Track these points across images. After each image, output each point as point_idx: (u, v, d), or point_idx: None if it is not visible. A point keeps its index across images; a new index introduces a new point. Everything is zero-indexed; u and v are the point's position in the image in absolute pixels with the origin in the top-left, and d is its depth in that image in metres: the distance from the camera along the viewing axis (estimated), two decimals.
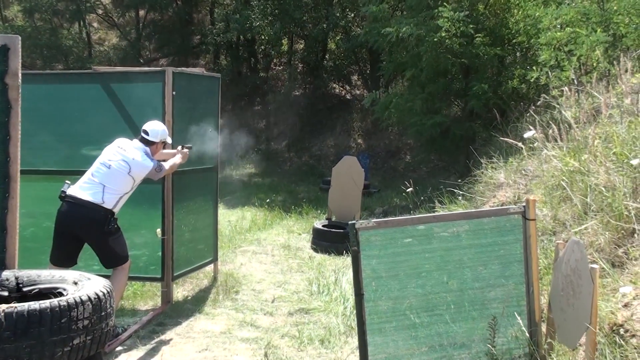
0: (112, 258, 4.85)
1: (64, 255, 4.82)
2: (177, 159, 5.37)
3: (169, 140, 5.29)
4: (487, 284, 3.80)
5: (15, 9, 24.96)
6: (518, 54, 10.92)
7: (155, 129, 5.08)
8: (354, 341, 4.78)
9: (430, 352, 3.68)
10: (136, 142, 5.03)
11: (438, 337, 3.70)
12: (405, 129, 13.41)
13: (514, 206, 3.92)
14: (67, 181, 4.84)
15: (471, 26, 9.87)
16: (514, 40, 10.76)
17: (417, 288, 3.79)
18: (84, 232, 4.73)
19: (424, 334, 3.72)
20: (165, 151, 5.42)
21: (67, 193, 4.72)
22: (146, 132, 5.05)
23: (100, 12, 24.53)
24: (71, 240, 4.77)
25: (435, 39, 9.97)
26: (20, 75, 3.16)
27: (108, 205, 4.71)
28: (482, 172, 7.68)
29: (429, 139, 11.60)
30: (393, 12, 13.44)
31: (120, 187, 4.78)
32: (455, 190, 7.73)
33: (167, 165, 5.17)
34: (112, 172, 4.78)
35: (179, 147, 5.49)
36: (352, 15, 19.83)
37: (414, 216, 4.21)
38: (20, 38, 3.22)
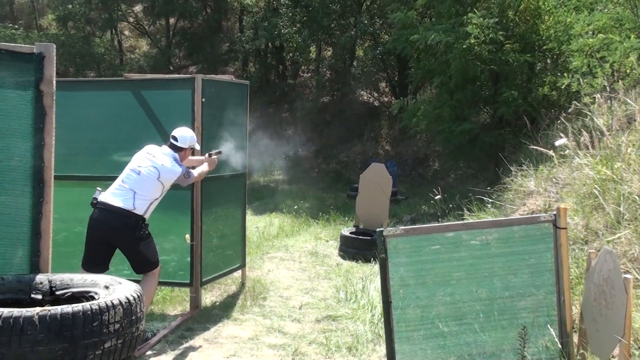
0: (143, 263, 4.89)
1: (95, 261, 4.87)
2: (205, 167, 5.39)
3: (198, 147, 5.33)
4: (517, 293, 3.75)
5: (50, 17, 25.49)
6: (549, 60, 10.82)
7: (184, 135, 5.12)
8: (382, 349, 4.76)
9: None
10: (165, 148, 5.07)
11: (467, 347, 3.67)
12: (434, 136, 13.34)
13: (545, 214, 3.88)
14: (98, 188, 4.90)
15: (501, 33, 9.80)
16: (545, 47, 10.65)
17: (446, 296, 3.76)
18: (115, 238, 4.79)
19: (452, 343, 3.69)
20: (193, 158, 5.46)
21: (98, 199, 4.78)
22: (175, 138, 5.09)
23: (131, 20, 24.91)
24: (103, 246, 4.83)
25: (464, 46, 9.91)
26: (54, 82, 3.22)
27: (139, 211, 4.76)
28: (512, 180, 7.61)
29: (458, 147, 11.53)
30: (421, 19, 13.41)
31: (150, 193, 4.83)
32: (484, 198, 7.66)
33: (195, 172, 5.20)
34: (142, 178, 4.84)
35: (206, 155, 5.50)
36: (380, 22, 19.82)
37: (443, 224, 4.18)
38: (54, 46, 3.28)
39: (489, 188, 8.14)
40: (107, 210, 4.73)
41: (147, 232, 4.87)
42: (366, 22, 19.43)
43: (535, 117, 10.08)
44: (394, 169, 14.47)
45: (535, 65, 10.89)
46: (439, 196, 7.58)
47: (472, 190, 8.53)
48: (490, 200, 7.56)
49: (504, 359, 3.65)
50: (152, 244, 4.93)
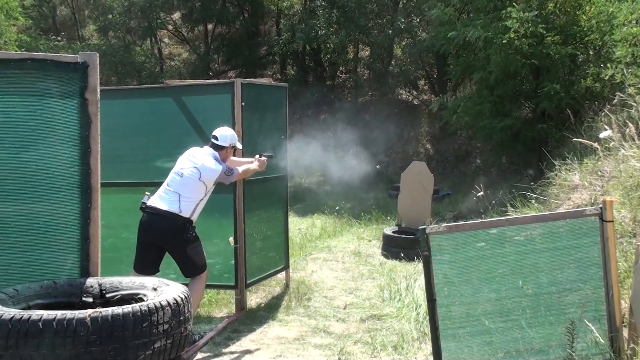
0: (190, 267, 4.96)
1: (146, 264, 4.97)
2: (254, 165, 5.41)
3: (239, 146, 5.32)
4: (564, 288, 3.70)
5: (91, 28, 26.07)
6: (591, 52, 10.58)
7: (224, 133, 5.15)
8: (428, 347, 4.74)
9: (506, 358, 3.61)
10: (207, 149, 5.12)
11: (514, 343, 3.63)
12: (475, 132, 13.22)
13: (591, 207, 3.81)
14: (146, 192, 5.00)
15: (541, 26, 9.64)
16: (586, 38, 10.43)
17: (491, 293, 3.73)
18: (163, 241, 4.88)
19: (499, 339, 3.66)
20: (236, 159, 5.48)
21: (147, 204, 4.88)
22: (216, 137, 5.13)
23: (170, 27, 25.29)
24: (153, 248, 4.92)
25: (503, 41, 9.78)
26: (98, 90, 3.31)
27: (185, 214, 4.83)
28: (556, 175, 7.48)
29: (499, 142, 11.40)
30: (459, 15, 13.27)
31: (194, 194, 4.89)
32: (528, 194, 7.55)
33: (240, 169, 5.21)
34: (185, 180, 4.91)
35: (257, 156, 5.52)
36: (418, 20, 19.70)
37: (486, 220, 4.15)
38: (97, 55, 3.36)
39: (532, 183, 8.02)
40: (155, 214, 4.83)
41: (194, 234, 4.94)
42: (403, 20, 19.32)
43: (578, 110, 9.88)
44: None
45: (577, 57, 10.66)
46: (481, 193, 7.50)
47: (515, 186, 8.41)
48: (534, 195, 7.45)
49: (552, 355, 3.60)
50: (199, 248, 5.00)
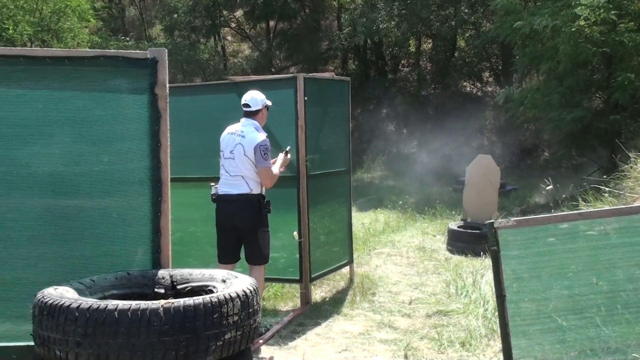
0: (256, 252, 4.99)
1: (228, 252, 5.06)
2: (277, 168, 5.16)
3: (269, 103, 5.20)
4: None
5: (158, 28, 26.76)
6: None
7: (254, 97, 5.06)
8: (496, 344, 4.65)
9: (580, 357, 3.50)
10: (243, 121, 5.05)
11: (589, 341, 3.51)
12: (542, 124, 12.89)
13: None
14: (212, 184, 5.07)
15: (613, 12, 9.29)
16: None
17: (563, 289, 3.61)
18: (242, 220, 4.92)
19: (572, 337, 3.54)
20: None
21: (218, 194, 4.97)
22: (247, 105, 5.03)
23: (233, 25, 25.68)
24: (232, 233, 4.98)
25: (573, 29, 9.49)
26: (167, 85, 3.37)
27: (256, 190, 4.90)
28: (631, 167, 7.20)
29: (569, 134, 11.08)
30: (525, 4, 12.95)
31: (252, 170, 4.89)
32: (601, 187, 7.29)
33: (275, 169, 5.07)
34: (238, 159, 4.89)
35: (282, 155, 5.35)
36: (482, 10, 19.34)
37: (557, 214, 4.02)
38: (166, 50, 3.42)
39: (605, 176, 7.75)
40: (230, 200, 4.91)
41: (269, 210, 4.99)
42: (467, 11, 19.01)
43: None
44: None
45: None
46: (550, 186, 7.28)
47: (586, 180, 8.16)
48: (607, 189, 7.19)
49: (630, 354, 3.46)
50: (268, 236, 5.05)
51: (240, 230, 4.98)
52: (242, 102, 5.08)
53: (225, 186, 4.95)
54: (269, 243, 5.09)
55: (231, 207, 4.92)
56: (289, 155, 5.37)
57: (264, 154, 4.87)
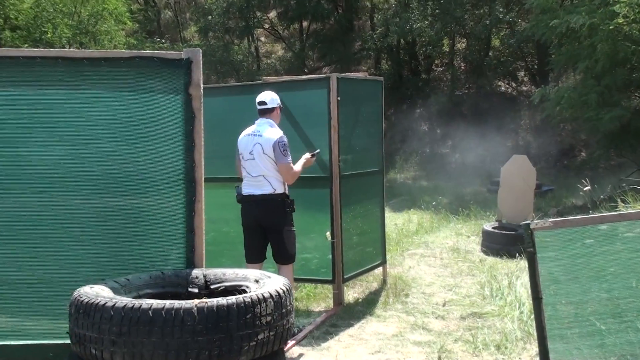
0: (282, 252, 5.04)
1: (254, 251, 5.14)
2: (299, 166, 5.19)
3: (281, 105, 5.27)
4: None
5: (192, 29, 27.05)
6: None
7: (271, 97, 5.12)
8: (532, 347, 4.57)
9: None
10: (258, 121, 5.10)
11: (629, 346, 3.42)
12: (579, 124, 12.67)
13: None
14: (236, 185, 5.12)
15: None
16: None
17: (601, 292, 3.53)
18: (267, 219, 4.98)
19: (611, 342, 3.46)
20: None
21: (242, 194, 5.02)
22: (263, 102, 5.08)
23: (266, 26, 25.80)
24: (258, 232, 5.06)
25: (611, 27, 9.30)
26: (201, 85, 3.40)
27: (279, 190, 4.95)
28: None
29: (607, 134, 10.86)
30: (562, 2, 12.74)
31: (272, 168, 4.93)
32: None
33: (296, 166, 5.10)
34: (258, 159, 4.93)
35: (307, 154, 5.37)
36: (517, 9, 19.09)
37: (596, 215, 3.94)
38: (200, 51, 3.45)
39: None
40: (253, 201, 4.97)
41: (293, 209, 5.03)
42: (501, 9, 18.78)
43: None
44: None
45: None
46: (588, 187, 7.15)
47: (625, 180, 7.98)
48: None
49: None
50: (293, 235, 5.09)
51: (265, 229, 5.03)
52: (257, 100, 5.13)
53: (249, 187, 5.01)
54: (295, 242, 5.12)
55: (255, 207, 4.99)
56: (314, 158, 5.39)
57: (283, 150, 4.92)
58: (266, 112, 5.10)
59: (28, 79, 3.33)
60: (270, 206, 4.96)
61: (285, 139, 4.99)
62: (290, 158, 4.98)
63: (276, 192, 4.94)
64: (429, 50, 22.28)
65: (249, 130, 5.12)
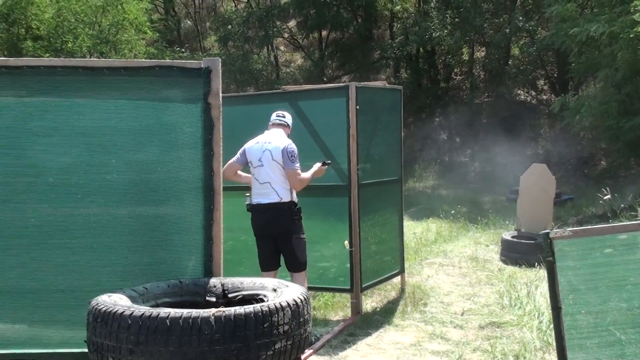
0: (293, 260, 5.07)
1: (267, 259, 5.17)
2: (309, 174, 5.19)
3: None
4: None
5: (212, 39, 27.26)
6: None
7: (290, 117, 5.28)
8: (552, 358, 4.54)
9: None
10: (269, 132, 5.16)
11: None
12: (599, 133, 12.55)
13: None
14: (247, 194, 5.16)
15: None
16: None
17: (621, 302, 3.49)
18: (276, 229, 5.02)
19: (632, 352, 3.42)
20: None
21: (252, 204, 5.06)
22: (283, 116, 5.22)
23: (286, 35, 25.92)
24: (269, 241, 5.10)
25: (631, 35, 9.22)
26: (220, 94, 3.42)
27: (285, 198, 4.96)
28: None
29: (628, 143, 10.76)
30: (582, 11, 12.66)
31: (281, 177, 4.96)
32: None
33: (306, 174, 5.11)
34: (266, 166, 4.97)
35: (318, 164, 5.36)
36: (537, 17, 19.01)
37: (616, 224, 3.90)
38: (220, 60, 3.48)
39: None
40: (262, 210, 5.00)
41: (301, 218, 5.06)
42: (521, 18, 18.70)
43: None
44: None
45: None
46: (608, 196, 7.07)
47: None
48: None
49: None
50: (303, 243, 5.11)
51: (275, 238, 5.07)
52: (277, 113, 5.25)
53: (257, 196, 5.06)
54: (306, 249, 5.14)
55: (264, 216, 5.03)
56: (326, 167, 5.38)
57: (291, 157, 4.97)
58: (280, 126, 5.20)
59: (49, 89, 3.38)
60: (278, 215, 4.99)
61: (294, 147, 5.05)
62: (298, 165, 5.02)
63: (283, 200, 4.96)
64: (448, 59, 22.24)
65: (258, 138, 5.17)
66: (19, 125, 3.38)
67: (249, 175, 5.28)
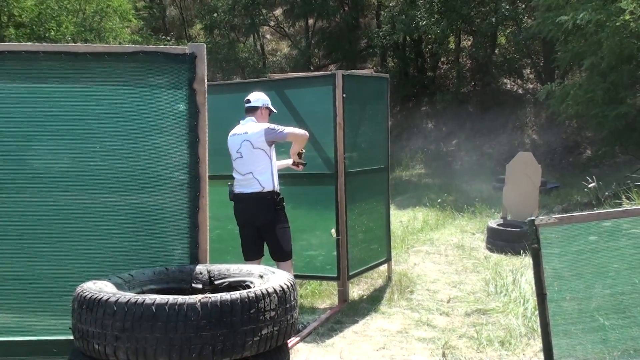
0: (277, 249, 5.05)
1: (250, 247, 5.13)
2: (298, 134, 5.09)
3: (274, 109, 5.29)
4: None
5: (198, 27, 27.07)
6: None
7: (257, 97, 5.18)
8: (536, 343, 4.58)
9: (623, 357, 3.41)
10: (242, 121, 5.14)
11: (632, 341, 3.42)
12: (585, 121, 12.63)
13: None
14: (229, 183, 5.14)
15: None
16: None
17: (605, 288, 3.53)
18: (258, 216, 4.99)
19: (614, 337, 3.46)
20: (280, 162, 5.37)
21: (235, 193, 5.04)
22: (248, 101, 5.15)
23: (272, 24, 25.81)
24: (251, 229, 5.07)
25: (617, 23, 9.26)
26: (206, 80, 3.39)
27: (267, 187, 4.93)
28: None
29: (613, 131, 10.82)
30: None
31: (262, 163, 4.93)
32: None
33: (288, 129, 5.03)
34: (246, 157, 4.96)
35: (290, 160, 5.34)
36: (523, 6, 19.04)
37: (600, 211, 3.93)
38: (205, 46, 3.44)
39: None
40: (244, 200, 4.99)
41: (284, 207, 5.04)
42: (508, 7, 18.73)
43: None
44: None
45: None
46: (593, 184, 7.12)
47: (630, 177, 7.96)
48: None
49: None
50: (287, 232, 5.09)
51: (258, 228, 5.06)
52: (244, 100, 5.19)
53: (239, 186, 5.04)
54: (290, 238, 5.12)
55: (246, 206, 5.01)
56: (299, 168, 5.32)
57: (275, 129, 4.91)
58: (250, 111, 5.15)
59: (31, 74, 3.33)
60: (260, 204, 4.96)
61: (271, 124, 5.00)
62: (286, 129, 4.96)
63: (265, 190, 4.93)
64: (434, 48, 22.24)
65: (234, 130, 5.16)
66: None
67: (282, 161, 5.32)
